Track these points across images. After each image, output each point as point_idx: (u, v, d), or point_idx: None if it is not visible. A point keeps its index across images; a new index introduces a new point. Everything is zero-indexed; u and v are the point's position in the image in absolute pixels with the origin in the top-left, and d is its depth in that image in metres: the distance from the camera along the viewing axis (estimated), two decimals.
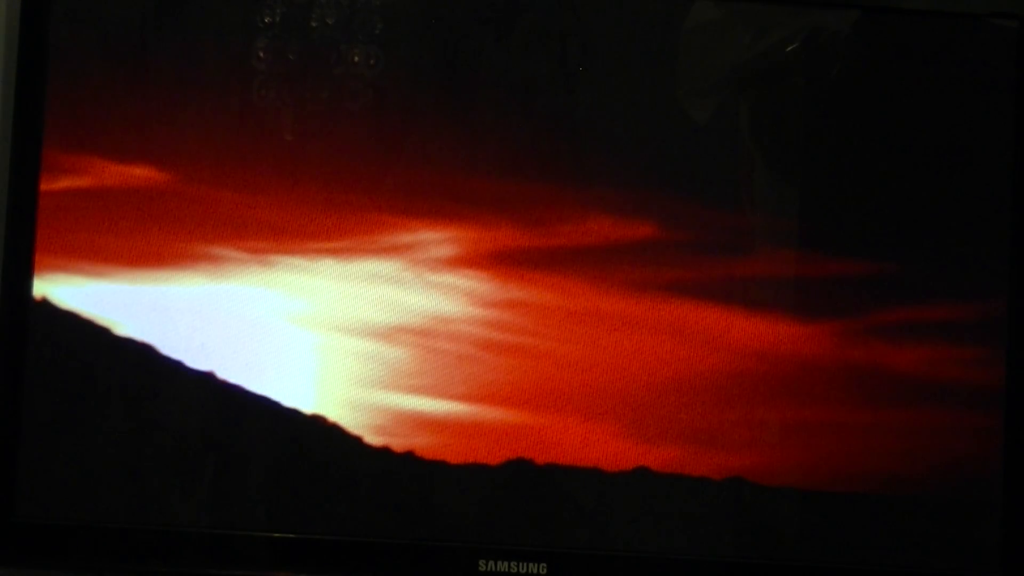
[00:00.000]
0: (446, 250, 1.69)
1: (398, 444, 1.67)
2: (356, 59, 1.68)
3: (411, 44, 1.70)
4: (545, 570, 1.67)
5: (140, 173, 1.67)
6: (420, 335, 1.68)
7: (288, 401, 1.67)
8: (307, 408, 1.67)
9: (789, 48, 1.74)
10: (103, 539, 1.66)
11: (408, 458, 1.66)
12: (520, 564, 1.67)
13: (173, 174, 1.67)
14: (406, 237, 1.68)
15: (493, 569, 1.67)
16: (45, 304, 1.65)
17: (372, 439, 1.67)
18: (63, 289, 1.65)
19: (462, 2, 1.70)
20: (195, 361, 1.66)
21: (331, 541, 1.67)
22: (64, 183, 1.66)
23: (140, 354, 1.65)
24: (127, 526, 1.66)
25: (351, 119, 1.69)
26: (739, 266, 1.70)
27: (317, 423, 1.66)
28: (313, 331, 1.67)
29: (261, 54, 1.68)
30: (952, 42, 1.75)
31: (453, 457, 1.67)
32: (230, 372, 1.66)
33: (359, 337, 1.67)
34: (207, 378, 1.66)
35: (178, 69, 1.67)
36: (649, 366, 1.69)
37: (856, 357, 1.70)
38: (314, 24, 1.69)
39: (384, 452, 1.67)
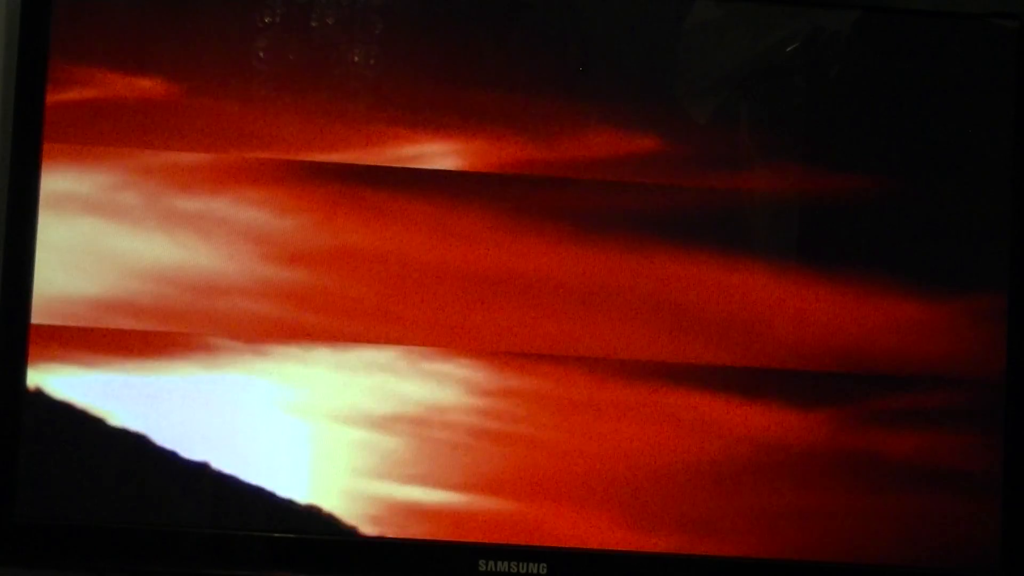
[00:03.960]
0: (451, 162, 1.68)
1: (394, 534, 1.66)
2: None
3: None
4: (545, 570, 1.67)
5: (145, 85, 1.67)
6: (415, 424, 1.67)
7: (283, 491, 1.67)
8: (302, 498, 1.67)
9: (789, 48, 1.74)
10: (103, 539, 1.66)
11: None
12: (520, 564, 1.67)
13: (178, 87, 1.67)
14: (410, 150, 1.68)
15: (493, 569, 1.67)
16: (39, 394, 1.65)
17: (368, 529, 1.67)
18: (58, 379, 1.65)
19: None
20: (190, 451, 1.66)
21: (331, 541, 1.67)
22: (71, 95, 1.66)
23: (134, 444, 1.65)
24: (127, 526, 1.65)
25: (357, 33, 1.68)
26: (734, 348, 1.70)
27: (313, 513, 1.66)
28: (308, 420, 1.67)
29: None
30: (952, 42, 1.75)
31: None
32: (224, 462, 1.66)
33: (354, 426, 1.67)
34: (202, 468, 1.66)
35: None
36: (645, 454, 1.69)
37: (852, 444, 1.70)
38: None
39: (379, 541, 1.67)
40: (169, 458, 1.65)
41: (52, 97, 1.67)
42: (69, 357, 1.65)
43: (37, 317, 1.65)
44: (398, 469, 1.67)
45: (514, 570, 1.67)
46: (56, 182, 1.66)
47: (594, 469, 1.68)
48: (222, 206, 1.68)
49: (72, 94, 1.67)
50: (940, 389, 1.71)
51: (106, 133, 1.67)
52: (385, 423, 1.67)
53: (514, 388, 1.68)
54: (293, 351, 1.67)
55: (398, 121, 1.69)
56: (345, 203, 1.68)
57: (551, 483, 1.68)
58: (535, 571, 1.67)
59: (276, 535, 1.66)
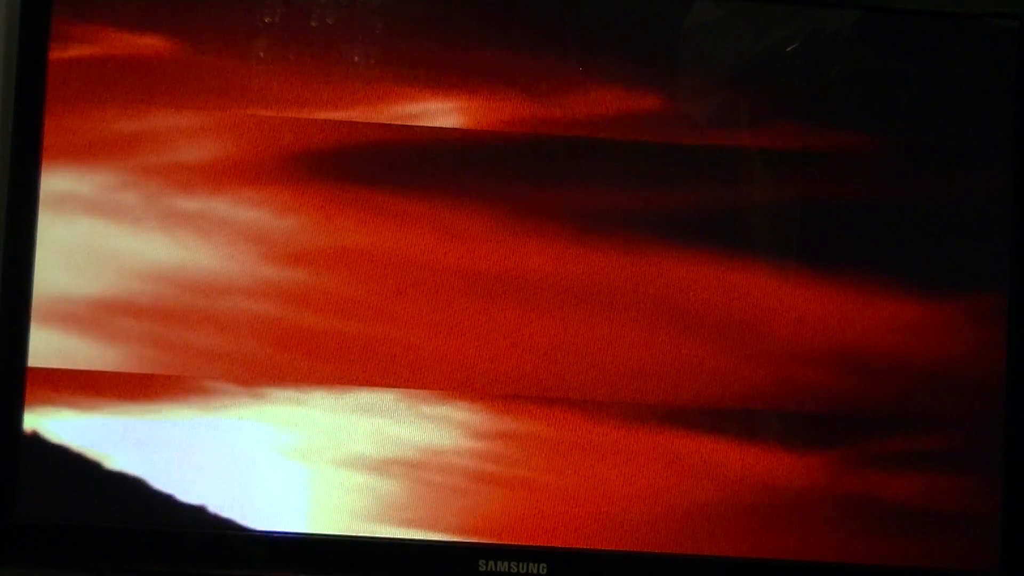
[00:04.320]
0: (452, 120, 1.68)
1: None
2: None
3: None
4: (545, 570, 1.67)
5: (147, 42, 1.67)
6: (412, 467, 1.67)
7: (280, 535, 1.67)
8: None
9: (789, 48, 1.74)
10: (103, 539, 1.66)
11: None
12: (520, 564, 1.67)
13: (180, 45, 1.67)
14: (412, 107, 1.68)
15: (493, 569, 1.67)
16: (36, 438, 1.65)
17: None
18: (54, 423, 1.65)
19: None
20: (186, 495, 1.66)
21: (331, 541, 1.67)
22: (73, 51, 1.66)
23: (131, 488, 1.65)
24: (127, 526, 1.65)
25: None
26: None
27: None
28: (304, 464, 1.67)
29: None
30: (952, 42, 1.75)
31: None
32: (221, 506, 1.66)
33: (351, 470, 1.67)
34: (198, 511, 1.66)
35: None
36: (643, 497, 1.68)
37: (851, 487, 1.70)
38: None
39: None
40: (166, 502, 1.65)
41: (55, 55, 1.67)
42: (65, 401, 1.65)
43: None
44: (395, 513, 1.67)
45: (514, 570, 1.67)
46: (56, 182, 1.66)
47: (592, 512, 1.68)
48: (222, 206, 1.68)
49: (74, 51, 1.67)
50: (939, 431, 1.71)
51: (107, 90, 1.67)
52: (382, 466, 1.67)
53: (512, 431, 1.68)
54: (290, 394, 1.67)
55: (400, 79, 1.69)
56: (345, 203, 1.68)
57: (549, 526, 1.68)
58: (535, 571, 1.67)
59: (276, 535, 1.66)
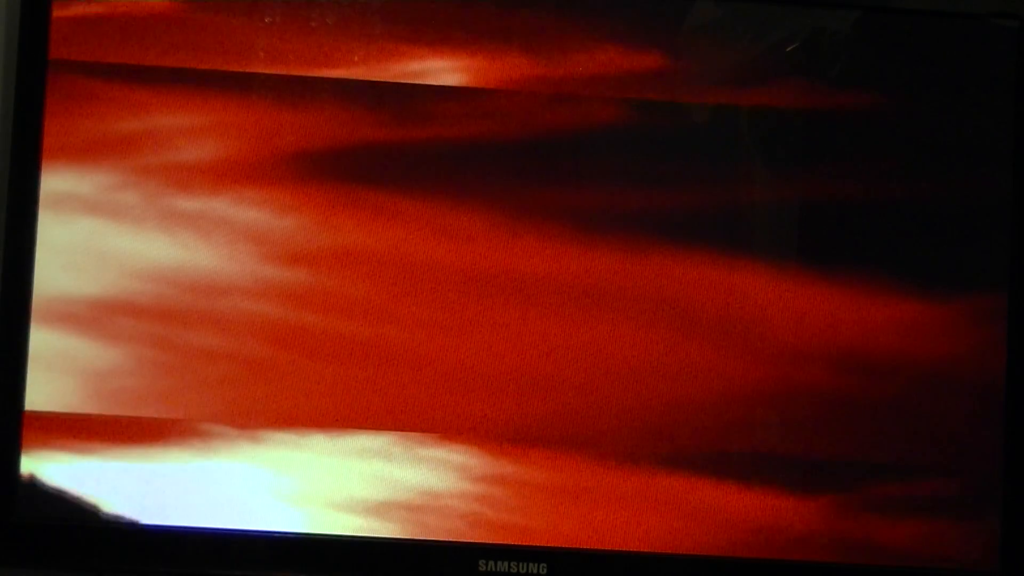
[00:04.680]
0: (455, 78, 1.68)
1: None
2: None
3: None
4: (545, 570, 1.67)
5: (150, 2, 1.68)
6: (410, 511, 1.67)
7: None
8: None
9: (789, 48, 1.74)
10: (103, 539, 1.65)
11: None
12: (520, 564, 1.67)
13: (183, 3, 1.67)
14: (414, 65, 1.68)
15: (493, 569, 1.67)
16: (32, 482, 1.65)
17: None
18: (50, 467, 1.65)
19: None
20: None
21: (331, 541, 1.67)
22: (76, 10, 1.67)
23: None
24: (127, 526, 1.65)
25: None
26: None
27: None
28: (302, 508, 1.67)
29: None
30: (952, 42, 1.75)
31: None
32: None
33: (348, 513, 1.67)
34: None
35: None
36: (643, 541, 1.68)
37: (850, 532, 1.70)
38: None
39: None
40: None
41: (58, 12, 1.67)
42: (62, 445, 1.65)
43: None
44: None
45: (514, 570, 1.67)
46: (56, 182, 1.66)
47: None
48: (222, 206, 1.68)
49: (78, 9, 1.67)
50: (937, 477, 1.71)
51: (110, 49, 1.67)
52: (380, 509, 1.67)
53: (509, 475, 1.68)
54: (287, 437, 1.66)
55: (403, 37, 1.69)
56: (345, 203, 1.68)
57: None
58: (535, 571, 1.67)
59: (276, 535, 1.66)
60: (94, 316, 1.66)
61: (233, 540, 1.66)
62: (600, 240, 1.70)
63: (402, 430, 1.67)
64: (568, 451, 1.68)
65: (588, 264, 1.70)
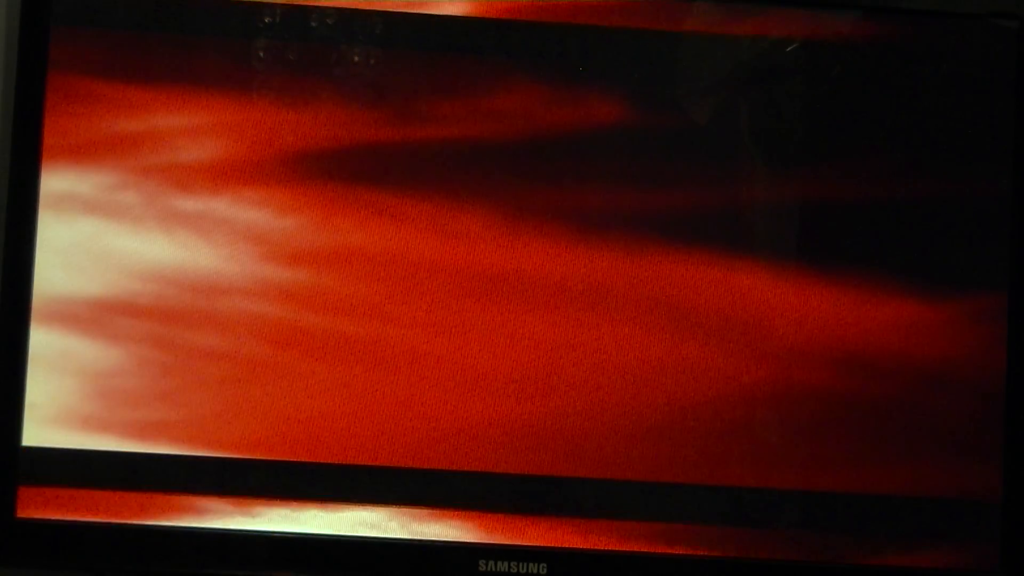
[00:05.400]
0: (457, 8, 1.68)
1: None
2: None
3: None
4: (545, 570, 1.67)
5: None
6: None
7: None
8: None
9: (789, 48, 1.74)
10: (103, 539, 1.66)
11: None
12: (520, 564, 1.67)
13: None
14: None
15: (493, 569, 1.67)
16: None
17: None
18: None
19: None
20: None
21: (331, 541, 1.67)
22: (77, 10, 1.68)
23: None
24: (127, 526, 1.65)
25: None
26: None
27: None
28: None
29: None
30: (952, 42, 1.75)
31: None
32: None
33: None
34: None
35: None
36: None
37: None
38: None
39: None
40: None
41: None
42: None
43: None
44: None
45: (514, 570, 1.67)
46: (56, 182, 1.66)
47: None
48: (222, 206, 1.68)
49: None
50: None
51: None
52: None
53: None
54: (283, 511, 1.66)
55: None
56: (345, 203, 1.69)
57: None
58: (535, 571, 1.67)
59: (276, 535, 1.66)
60: (94, 316, 1.66)
61: (233, 540, 1.66)
62: (600, 240, 1.70)
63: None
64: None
65: (588, 264, 1.70)
